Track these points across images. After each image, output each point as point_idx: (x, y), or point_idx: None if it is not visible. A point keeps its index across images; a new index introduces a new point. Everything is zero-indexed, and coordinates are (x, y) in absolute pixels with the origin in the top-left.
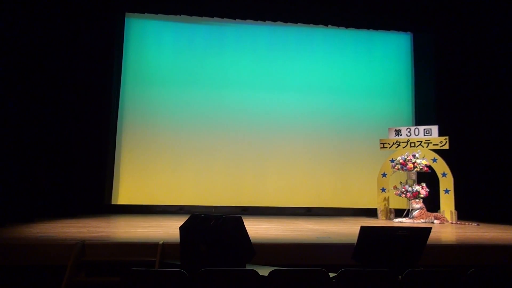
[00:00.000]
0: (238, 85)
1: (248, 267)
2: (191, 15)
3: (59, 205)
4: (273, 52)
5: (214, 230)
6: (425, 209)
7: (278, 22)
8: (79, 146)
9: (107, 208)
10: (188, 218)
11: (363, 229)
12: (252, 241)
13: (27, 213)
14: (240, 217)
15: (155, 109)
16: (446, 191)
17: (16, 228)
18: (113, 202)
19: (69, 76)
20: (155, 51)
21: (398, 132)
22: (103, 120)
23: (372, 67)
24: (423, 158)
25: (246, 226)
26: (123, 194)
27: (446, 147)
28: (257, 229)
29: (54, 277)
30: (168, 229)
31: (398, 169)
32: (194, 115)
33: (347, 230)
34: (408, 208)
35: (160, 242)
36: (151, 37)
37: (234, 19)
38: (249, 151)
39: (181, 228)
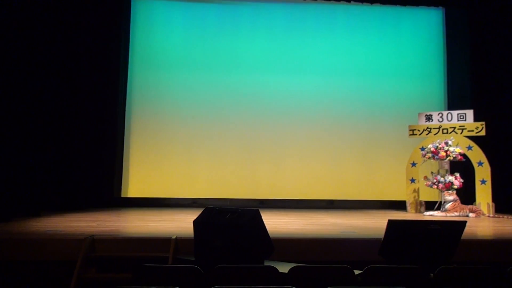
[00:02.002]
0: (253, 69)
1: (267, 263)
2: None
3: (67, 198)
4: (290, 32)
5: (230, 224)
6: (459, 202)
7: None
8: (86, 137)
9: (116, 201)
10: (202, 211)
11: (391, 223)
12: (270, 235)
13: (34, 207)
14: (258, 210)
15: (165, 96)
16: (483, 182)
17: (23, 222)
18: (122, 195)
19: (74, 63)
20: (163, 33)
21: (429, 118)
22: (111, 108)
23: (400, 47)
24: (456, 145)
25: (264, 220)
26: (133, 187)
27: (483, 133)
28: (276, 223)
29: (64, 273)
30: (181, 223)
31: (429, 158)
32: (207, 101)
33: (373, 224)
34: (440, 200)
35: (173, 237)
36: (159, 18)
37: None
38: (266, 139)
39: (195, 222)
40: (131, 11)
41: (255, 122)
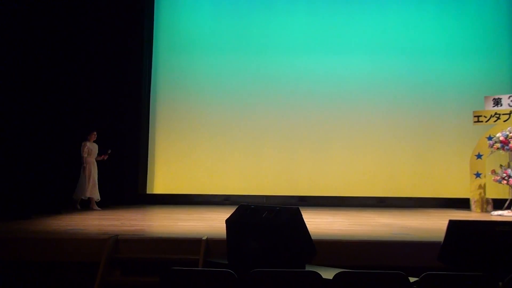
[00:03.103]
0: (291, 49)
1: (308, 268)
2: None
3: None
4: (333, 6)
5: (267, 224)
6: None
7: None
8: (109, 130)
9: (141, 198)
10: (236, 209)
11: (453, 224)
12: (312, 237)
13: (55, 204)
14: (298, 208)
15: (193, 82)
16: None
17: (43, 220)
18: (148, 191)
19: (94, 50)
20: (191, 12)
21: (497, 102)
22: (134, 98)
23: (462, 21)
24: None
25: (304, 219)
26: (159, 182)
27: None
28: (318, 223)
29: (86, 276)
30: (212, 223)
31: (498, 148)
32: (240, 87)
33: (430, 225)
34: (510, 198)
35: (204, 238)
36: None
37: None
38: (307, 129)
39: (227, 221)
40: None
41: (294, 110)
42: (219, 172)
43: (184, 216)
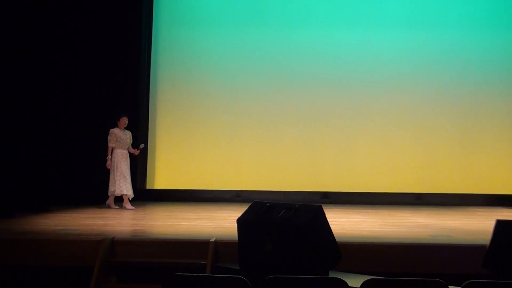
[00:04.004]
0: (315, 22)
1: (332, 275)
2: None
3: (81, 190)
4: None
5: (284, 224)
6: None
7: None
8: (102, 117)
9: (140, 194)
10: (249, 207)
11: (501, 224)
12: (337, 239)
13: (42, 201)
14: (320, 206)
15: (199, 63)
16: None
17: (29, 219)
18: (148, 187)
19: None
20: None
21: None
22: (132, 79)
23: None
24: None
25: (328, 219)
26: (161, 176)
27: None
28: (344, 223)
29: (77, 283)
30: (221, 222)
31: None
32: (254, 67)
33: (475, 225)
34: None
35: (212, 240)
36: None
37: None
38: (332, 115)
39: (239, 221)
40: None
41: (316, 92)
42: (229, 165)
43: (189, 215)
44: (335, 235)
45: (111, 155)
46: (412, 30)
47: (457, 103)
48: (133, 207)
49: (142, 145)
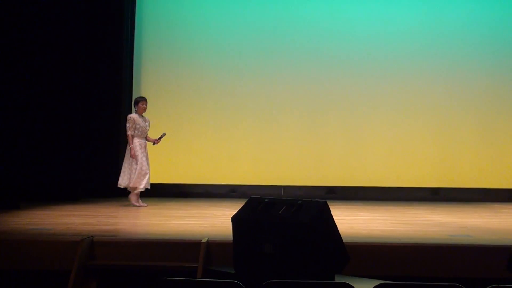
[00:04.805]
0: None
1: (338, 279)
2: None
3: (55, 185)
4: None
5: (285, 222)
6: None
7: None
8: (80, 105)
9: (123, 189)
10: (245, 204)
11: None
12: (344, 239)
13: (11, 197)
14: (325, 202)
15: (191, 42)
16: None
17: None
18: None
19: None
20: None
21: None
22: (113, 60)
23: None
24: None
25: (334, 217)
26: None
27: None
28: (352, 221)
29: None
30: (214, 221)
31: None
32: (249, 47)
33: (498, 224)
34: None
35: (204, 240)
36: None
37: None
38: (338, 101)
39: (234, 218)
40: None
41: (319, 76)
42: (223, 156)
43: (178, 212)
44: (342, 235)
45: (132, 144)
46: (426, 3)
47: (478, 87)
48: (144, 204)
49: (164, 134)
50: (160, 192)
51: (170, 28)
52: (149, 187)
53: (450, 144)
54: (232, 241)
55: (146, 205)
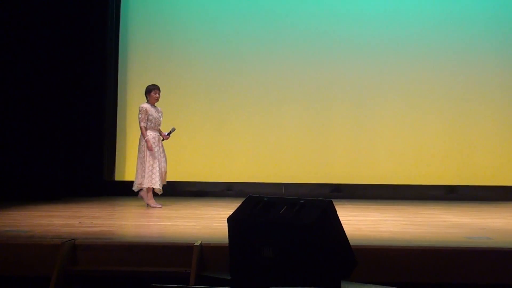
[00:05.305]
0: None
1: (345, 286)
2: None
3: (34, 183)
4: None
5: (286, 224)
6: None
7: None
8: (61, 99)
9: (108, 187)
10: (242, 203)
11: None
12: (350, 242)
13: None
14: (330, 201)
15: (182, 27)
16: None
17: None
18: (117, 178)
19: None
20: None
21: None
22: (97, 46)
23: None
24: None
25: (340, 217)
26: (133, 166)
27: None
28: (359, 222)
29: None
30: (208, 222)
31: None
32: (246, 33)
33: None
34: None
35: (197, 243)
36: None
37: None
38: (342, 91)
39: (230, 219)
40: None
41: (324, 64)
42: (218, 151)
43: (168, 212)
44: (348, 237)
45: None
46: None
47: (499, 78)
48: (158, 205)
49: (173, 129)
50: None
51: (159, 19)
52: (165, 183)
53: (467, 137)
54: (228, 245)
55: (160, 206)
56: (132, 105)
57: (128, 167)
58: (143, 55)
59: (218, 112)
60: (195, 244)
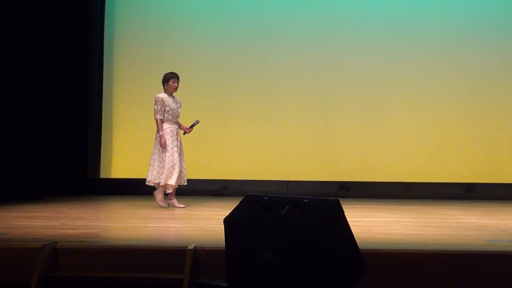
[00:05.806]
0: None
1: None
2: None
3: (13, 181)
4: None
5: (288, 225)
6: None
7: None
8: (43, 92)
9: (92, 185)
10: (240, 202)
11: None
12: (359, 245)
13: None
14: (337, 201)
15: (171, 15)
16: None
17: None
18: (102, 175)
19: None
20: None
21: None
22: (80, 45)
23: None
24: None
25: (347, 218)
26: (120, 163)
27: None
28: (369, 223)
29: None
30: (203, 224)
31: None
32: (245, 23)
33: None
34: None
35: (191, 247)
36: None
37: None
38: (349, 82)
39: (227, 221)
40: None
41: (330, 56)
42: (214, 147)
43: (159, 213)
44: (357, 240)
45: (161, 131)
46: None
47: None
48: (182, 205)
49: (197, 121)
50: (136, 189)
51: (147, 11)
52: (185, 183)
53: (487, 132)
54: (224, 248)
55: (183, 206)
56: (118, 99)
57: (114, 164)
58: (130, 49)
59: (214, 105)
60: (188, 247)
